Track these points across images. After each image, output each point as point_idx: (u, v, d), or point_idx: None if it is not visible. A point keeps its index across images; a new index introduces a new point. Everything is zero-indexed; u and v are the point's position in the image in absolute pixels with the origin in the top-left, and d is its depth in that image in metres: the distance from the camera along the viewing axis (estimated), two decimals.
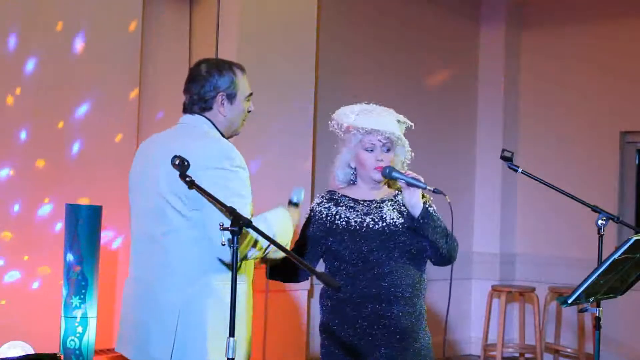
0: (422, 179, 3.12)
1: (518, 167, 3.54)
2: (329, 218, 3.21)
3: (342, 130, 3.26)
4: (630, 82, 6.94)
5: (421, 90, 7.12)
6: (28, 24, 4.77)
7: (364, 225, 3.17)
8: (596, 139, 7.11)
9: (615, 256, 2.95)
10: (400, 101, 7.03)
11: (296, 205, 3.07)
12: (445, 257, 3.20)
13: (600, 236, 3.33)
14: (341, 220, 3.19)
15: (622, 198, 7.04)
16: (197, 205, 2.74)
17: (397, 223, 3.17)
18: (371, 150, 3.19)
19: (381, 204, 3.22)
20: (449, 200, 3.03)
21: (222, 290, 2.76)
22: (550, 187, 3.54)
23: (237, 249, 2.46)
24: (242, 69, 3.05)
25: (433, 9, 7.22)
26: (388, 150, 3.19)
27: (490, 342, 6.75)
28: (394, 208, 3.21)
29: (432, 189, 3.07)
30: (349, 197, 3.25)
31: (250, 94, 3.06)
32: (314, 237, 3.22)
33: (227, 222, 2.47)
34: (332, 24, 6.31)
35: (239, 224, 2.46)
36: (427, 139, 7.08)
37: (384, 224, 3.16)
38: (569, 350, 6.77)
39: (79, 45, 4.98)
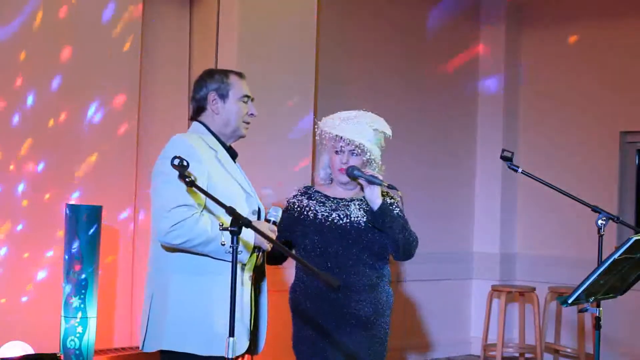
0: (380, 177, 3.41)
1: (518, 167, 3.55)
2: (299, 209, 3.52)
3: (321, 134, 3.55)
4: (630, 82, 6.93)
5: (421, 91, 7.11)
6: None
7: (329, 219, 3.45)
8: (596, 139, 7.10)
9: (615, 256, 2.96)
10: (400, 101, 7.07)
11: (274, 224, 3.12)
12: (403, 252, 3.45)
13: (600, 236, 3.34)
14: (310, 212, 3.49)
15: (622, 198, 7.02)
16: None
17: (360, 221, 3.44)
18: (339, 153, 3.47)
19: (349, 203, 3.50)
20: (400, 195, 3.37)
21: (182, 281, 2.96)
22: (550, 187, 3.54)
23: (236, 248, 2.48)
24: (238, 74, 3.20)
25: (433, 9, 7.22)
26: (357, 155, 3.45)
27: (490, 342, 6.75)
28: (361, 207, 3.49)
29: (387, 185, 3.38)
30: (321, 193, 3.56)
31: (248, 97, 3.17)
32: (285, 226, 3.43)
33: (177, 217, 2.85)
34: (332, 25, 6.31)
35: (238, 224, 2.48)
36: (428, 139, 7.09)
37: (348, 220, 3.44)
38: (569, 350, 6.76)
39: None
